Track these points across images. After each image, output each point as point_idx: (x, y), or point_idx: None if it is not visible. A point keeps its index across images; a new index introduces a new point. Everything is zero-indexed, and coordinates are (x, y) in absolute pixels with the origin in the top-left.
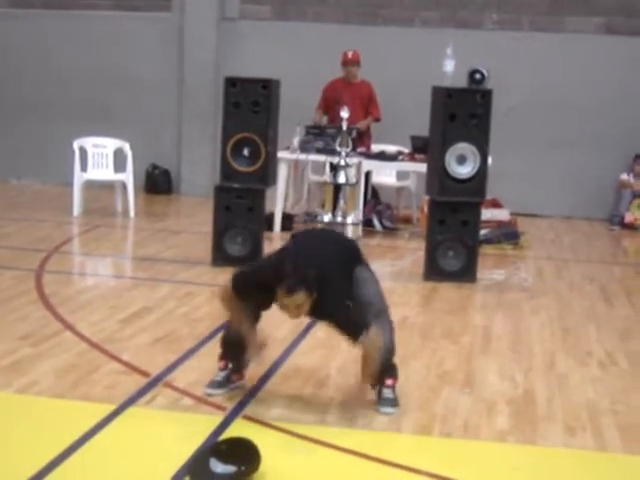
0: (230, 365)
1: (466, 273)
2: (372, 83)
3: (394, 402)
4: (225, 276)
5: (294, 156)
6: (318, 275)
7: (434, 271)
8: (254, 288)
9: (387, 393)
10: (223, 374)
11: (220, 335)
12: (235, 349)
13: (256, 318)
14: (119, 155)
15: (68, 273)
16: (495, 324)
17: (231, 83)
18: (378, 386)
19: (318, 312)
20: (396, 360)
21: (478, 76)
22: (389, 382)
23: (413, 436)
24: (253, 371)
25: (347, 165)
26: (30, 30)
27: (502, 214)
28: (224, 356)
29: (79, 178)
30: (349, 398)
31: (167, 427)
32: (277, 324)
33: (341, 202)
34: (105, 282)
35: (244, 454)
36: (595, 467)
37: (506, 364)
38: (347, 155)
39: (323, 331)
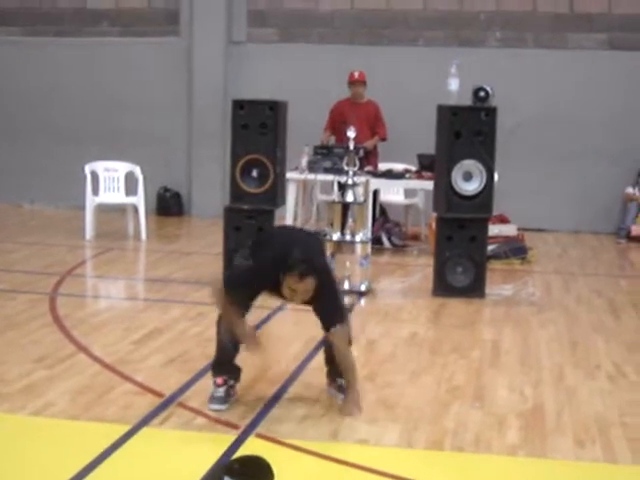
0: (229, 381)
1: (474, 288)
2: (378, 103)
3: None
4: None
5: (302, 176)
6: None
7: (443, 287)
8: (246, 288)
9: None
10: (223, 389)
11: (214, 354)
12: (231, 364)
13: (246, 310)
14: (130, 178)
15: (81, 296)
16: (504, 338)
17: (239, 105)
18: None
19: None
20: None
21: (482, 94)
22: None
23: (424, 451)
24: (265, 389)
25: (355, 184)
26: (42, 57)
27: (509, 229)
28: (221, 372)
29: (91, 202)
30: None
31: (181, 447)
32: (290, 341)
33: (350, 220)
34: (118, 304)
35: (257, 472)
36: (605, 479)
37: (515, 378)
38: (355, 174)
39: None
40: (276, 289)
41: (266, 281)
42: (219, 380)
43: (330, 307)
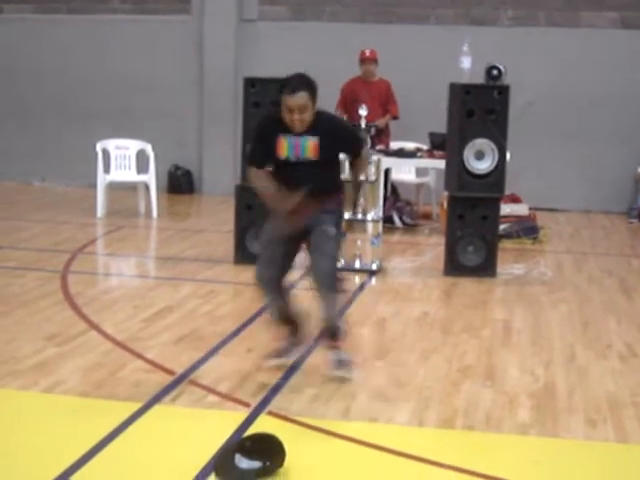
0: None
1: (486, 268)
2: (390, 81)
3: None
4: (247, 274)
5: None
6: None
7: (454, 266)
8: (265, 152)
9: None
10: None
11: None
12: (289, 324)
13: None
14: (141, 156)
15: (92, 273)
16: (515, 318)
17: (250, 83)
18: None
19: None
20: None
21: (495, 72)
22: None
23: (435, 430)
24: (277, 368)
25: None
26: (53, 35)
27: (521, 209)
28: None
29: (102, 180)
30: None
31: (192, 424)
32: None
33: (361, 199)
34: (129, 282)
35: (269, 450)
36: (616, 459)
37: (527, 357)
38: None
39: (345, 327)
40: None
41: (271, 131)
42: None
43: (352, 136)
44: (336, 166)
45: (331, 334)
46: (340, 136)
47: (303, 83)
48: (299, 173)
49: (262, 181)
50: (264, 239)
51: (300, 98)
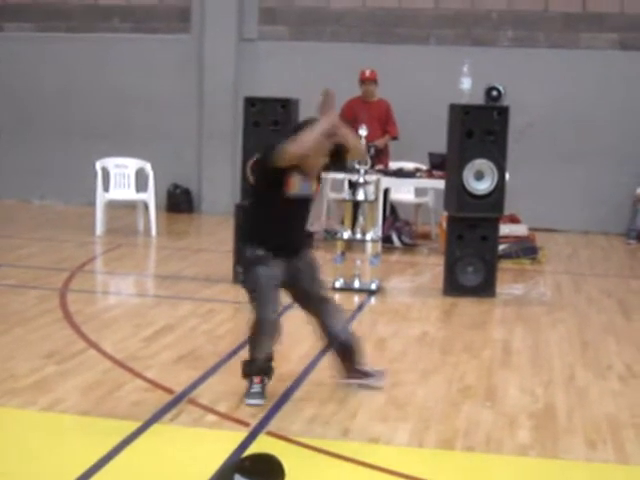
0: (264, 380)
1: (485, 288)
2: (389, 101)
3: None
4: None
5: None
6: None
7: (453, 286)
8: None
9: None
10: (260, 386)
11: (247, 356)
12: (267, 364)
13: None
14: (141, 175)
15: (92, 292)
16: (515, 338)
17: (250, 103)
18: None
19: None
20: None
21: (495, 93)
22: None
23: (435, 450)
24: (276, 387)
25: (366, 182)
26: (53, 53)
27: (520, 229)
28: (258, 372)
29: (102, 198)
30: None
31: (191, 443)
32: (298, 340)
33: (360, 219)
34: (128, 300)
35: (268, 470)
36: None
37: (526, 378)
38: (366, 172)
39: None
40: None
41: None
42: (257, 379)
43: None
44: None
45: (353, 355)
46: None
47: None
48: (300, 211)
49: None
50: (264, 283)
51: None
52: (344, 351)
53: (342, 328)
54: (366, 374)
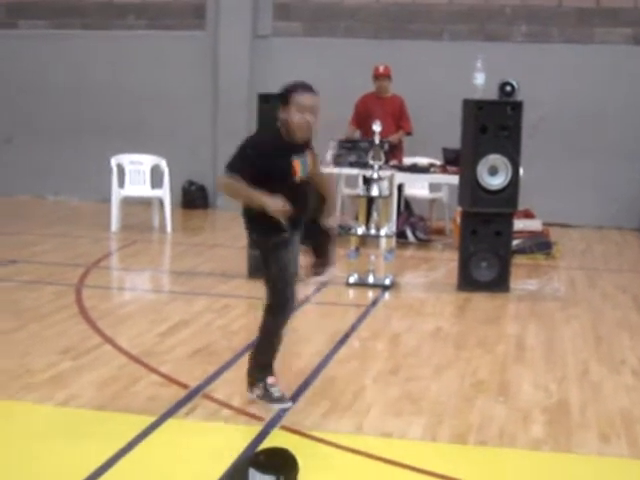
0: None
1: (499, 283)
2: (403, 97)
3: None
4: (261, 289)
5: (328, 170)
6: None
7: (467, 282)
8: (247, 164)
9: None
10: (278, 389)
11: (261, 355)
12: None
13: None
14: (156, 172)
15: (107, 288)
16: (528, 333)
17: (265, 99)
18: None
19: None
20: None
21: (508, 88)
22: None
23: (449, 445)
24: (290, 382)
25: (380, 178)
26: (68, 50)
27: (534, 224)
28: (272, 372)
29: (117, 194)
30: None
31: (206, 438)
32: (312, 335)
33: (374, 214)
34: (143, 296)
35: (282, 464)
36: (630, 475)
37: (540, 373)
38: (380, 168)
39: (359, 341)
40: (280, 150)
41: (282, 153)
42: (271, 380)
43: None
44: None
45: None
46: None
47: (312, 87)
48: (302, 191)
49: (247, 188)
50: (284, 262)
51: (315, 98)
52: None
53: None
54: None
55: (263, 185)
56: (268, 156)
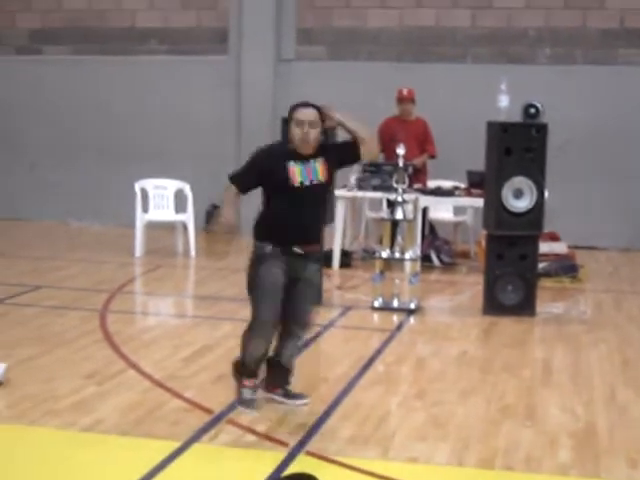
0: (256, 384)
1: (525, 307)
2: (427, 120)
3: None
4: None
5: (351, 194)
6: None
7: (493, 305)
8: (257, 180)
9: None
10: (250, 392)
11: (236, 361)
12: (257, 367)
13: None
14: (180, 196)
15: (131, 312)
16: (555, 357)
17: (288, 123)
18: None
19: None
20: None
21: (533, 110)
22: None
23: (475, 470)
24: (315, 407)
25: (404, 201)
26: (91, 76)
27: (560, 247)
28: (249, 374)
29: (141, 219)
30: None
31: (231, 463)
32: (337, 359)
33: (399, 238)
34: (167, 321)
35: None
36: None
37: (567, 397)
38: (404, 191)
39: (384, 365)
40: (281, 163)
41: (277, 160)
42: (248, 382)
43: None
44: (329, 195)
45: (291, 371)
46: (336, 146)
47: (312, 104)
48: (307, 200)
49: (232, 198)
50: (265, 284)
51: (311, 112)
52: (279, 370)
53: (290, 354)
54: (288, 395)
55: (268, 191)
56: (265, 162)
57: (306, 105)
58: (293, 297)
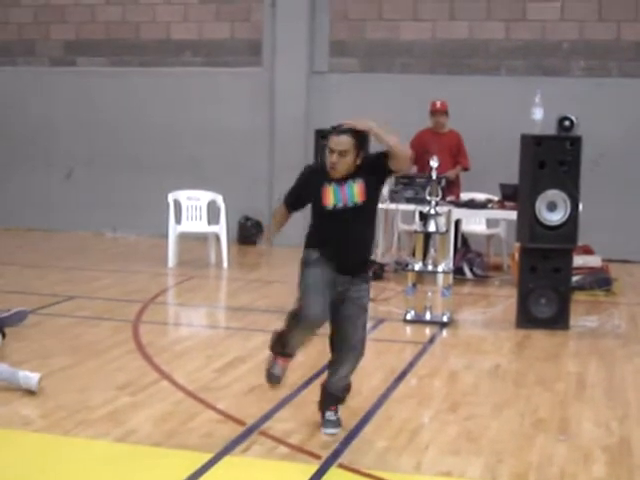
0: (287, 364)
1: (558, 320)
2: (460, 132)
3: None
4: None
5: (384, 206)
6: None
7: (526, 318)
8: (302, 198)
9: (329, 415)
10: (280, 369)
11: (279, 333)
12: (293, 352)
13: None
14: (212, 207)
15: (164, 323)
16: (589, 371)
17: (321, 135)
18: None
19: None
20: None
21: (567, 123)
22: (332, 408)
23: None
24: (348, 420)
25: (437, 214)
26: (126, 87)
27: (594, 260)
28: (283, 354)
29: (174, 230)
30: None
31: (263, 476)
32: (370, 372)
33: (431, 250)
34: (200, 332)
35: None
36: None
37: (601, 411)
38: (437, 204)
39: (417, 378)
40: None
41: (315, 180)
42: (280, 360)
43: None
44: (375, 212)
45: (339, 398)
46: (371, 161)
47: (350, 129)
48: (344, 222)
49: (280, 218)
50: (309, 279)
51: (342, 141)
52: (323, 395)
53: (336, 380)
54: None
55: (313, 211)
56: (306, 182)
57: (341, 132)
58: (339, 318)
